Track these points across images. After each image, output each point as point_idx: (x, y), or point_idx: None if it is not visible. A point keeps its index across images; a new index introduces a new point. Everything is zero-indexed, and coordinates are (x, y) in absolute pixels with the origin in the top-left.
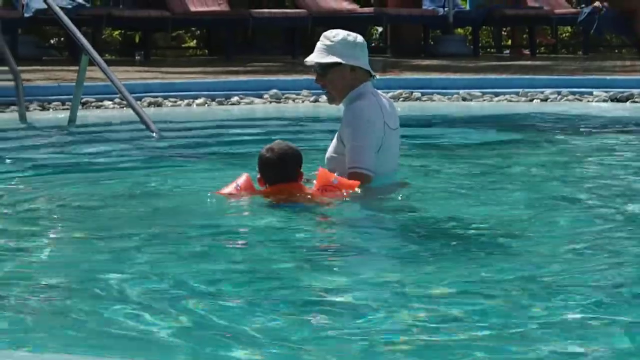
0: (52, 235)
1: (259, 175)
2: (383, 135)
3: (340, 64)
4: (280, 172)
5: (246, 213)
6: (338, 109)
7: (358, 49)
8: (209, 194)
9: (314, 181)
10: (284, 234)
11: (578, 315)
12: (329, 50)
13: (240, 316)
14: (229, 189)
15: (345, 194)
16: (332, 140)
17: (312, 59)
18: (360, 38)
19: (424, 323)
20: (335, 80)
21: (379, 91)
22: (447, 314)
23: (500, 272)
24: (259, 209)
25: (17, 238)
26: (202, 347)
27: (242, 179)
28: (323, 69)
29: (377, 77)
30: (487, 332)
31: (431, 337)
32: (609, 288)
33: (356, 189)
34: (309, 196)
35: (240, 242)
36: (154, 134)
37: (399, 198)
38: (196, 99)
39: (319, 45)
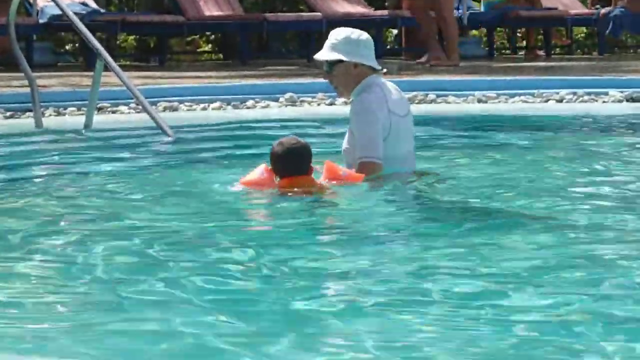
0: (69, 240)
1: (270, 168)
2: (389, 123)
3: (343, 61)
4: (289, 165)
5: (263, 208)
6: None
7: (362, 46)
8: (232, 186)
9: (322, 173)
10: (297, 225)
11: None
12: (334, 48)
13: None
14: (252, 177)
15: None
16: (346, 134)
17: (318, 56)
18: (364, 35)
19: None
20: (340, 76)
21: (388, 81)
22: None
23: (524, 260)
24: (274, 202)
25: (33, 242)
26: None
27: (261, 169)
28: (329, 66)
29: (384, 71)
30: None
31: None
32: None
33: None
34: (319, 188)
35: (259, 237)
36: (170, 138)
37: (412, 186)
38: (212, 103)
39: (326, 43)
